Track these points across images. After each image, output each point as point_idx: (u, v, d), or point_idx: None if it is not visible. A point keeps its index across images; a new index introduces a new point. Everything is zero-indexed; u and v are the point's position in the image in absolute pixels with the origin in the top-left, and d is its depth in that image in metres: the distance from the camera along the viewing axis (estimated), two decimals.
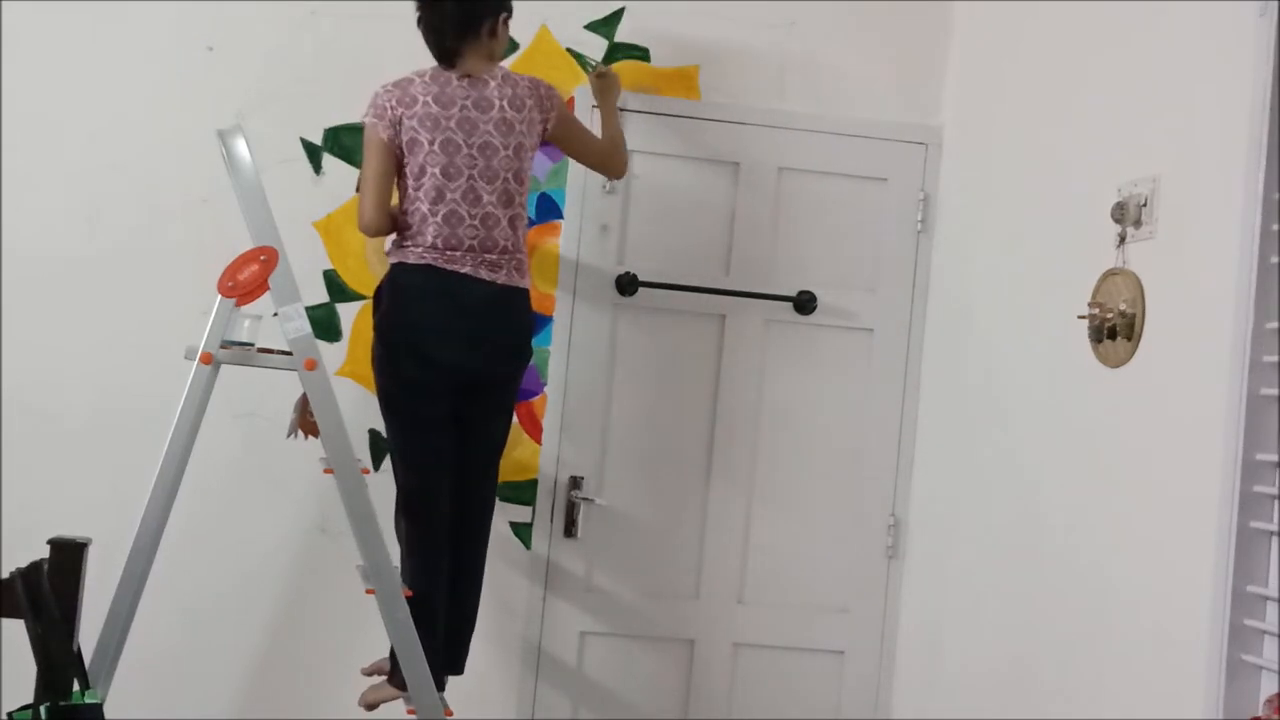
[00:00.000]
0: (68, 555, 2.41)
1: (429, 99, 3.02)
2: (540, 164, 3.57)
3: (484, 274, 3.03)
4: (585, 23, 3.59)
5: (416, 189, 3.03)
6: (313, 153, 3.51)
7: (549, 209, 3.57)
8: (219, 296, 2.91)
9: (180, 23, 3.46)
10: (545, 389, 3.56)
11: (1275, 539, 2.21)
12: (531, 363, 3.54)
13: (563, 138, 3.21)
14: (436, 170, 3.00)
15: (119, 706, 2.89)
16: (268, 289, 2.93)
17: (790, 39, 3.65)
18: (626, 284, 3.54)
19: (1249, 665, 2.21)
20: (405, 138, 3.02)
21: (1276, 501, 2.21)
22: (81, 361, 3.41)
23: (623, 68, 3.59)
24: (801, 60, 3.65)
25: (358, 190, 3.12)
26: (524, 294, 3.12)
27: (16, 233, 3.39)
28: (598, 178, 3.54)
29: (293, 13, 3.50)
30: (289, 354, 2.97)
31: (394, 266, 3.07)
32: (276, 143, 3.44)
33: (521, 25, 3.56)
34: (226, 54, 3.48)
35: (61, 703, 2.38)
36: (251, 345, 3.01)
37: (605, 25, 3.60)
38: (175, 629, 3.37)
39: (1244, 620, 2.21)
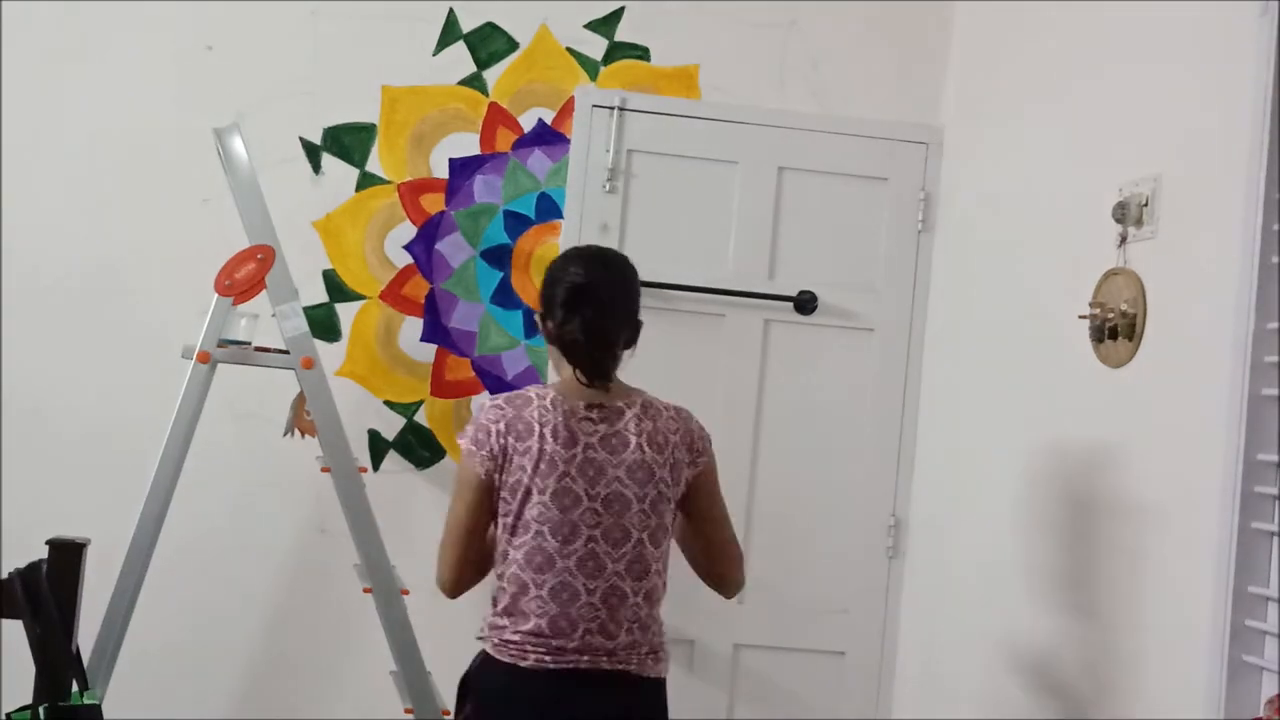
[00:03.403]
0: (66, 556, 2.41)
1: (546, 431, 2.30)
2: (540, 163, 3.56)
3: (603, 664, 2.31)
4: (585, 22, 3.59)
5: (519, 552, 2.30)
6: (312, 152, 3.50)
7: (549, 209, 3.57)
8: (216, 295, 2.91)
9: (180, 23, 3.46)
10: None
11: (1276, 539, 2.21)
12: (531, 363, 3.54)
13: (696, 497, 2.42)
14: (545, 529, 2.29)
15: (117, 707, 2.90)
16: (264, 287, 2.94)
17: (790, 38, 3.65)
18: None
19: (1250, 666, 2.20)
20: (510, 479, 2.30)
21: (1277, 501, 2.21)
22: (81, 361, 3.41)
23: (623, 67, 3.59)
24: (801, 60, 3.65)
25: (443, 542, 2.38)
26: (657, 689, 2.41)
27: (16, 233, 3.39)
28: (598, 177, 3.54)
29: (293, 13, 3.49)
30: (286, 352, 2.98)
31: (482, 659, 2.35)
32: (276, 142, 3.43)
33: (521, 24, 3.57)
34: (226, 54, 3.48)
35: (60, 703, 2.38)
36: (248, 344, 3.01)
37: (605, 24, 3.60)
38: (174, 629, 3.36)
39: (1245, 621, 2.21)
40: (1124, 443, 2.59)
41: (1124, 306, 2.57)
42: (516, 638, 2.29)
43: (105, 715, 2.66)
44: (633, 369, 3.55)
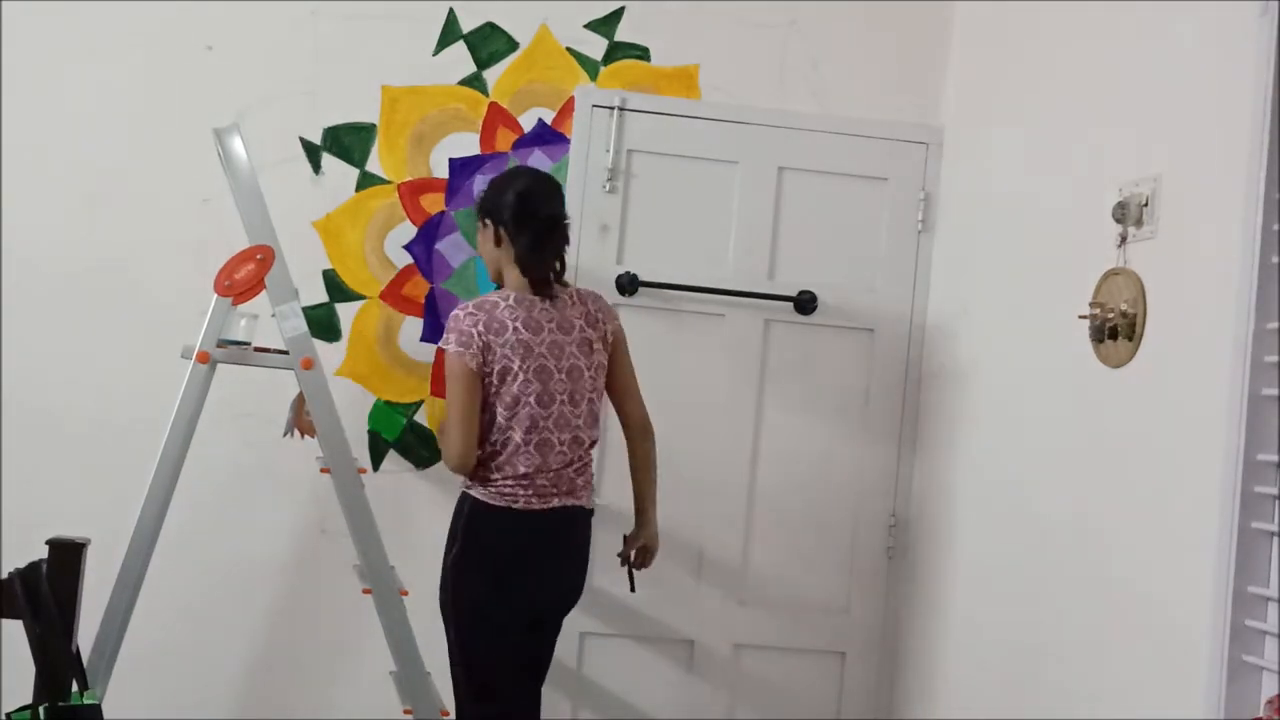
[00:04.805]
0: (66, 555, 2.41)
1: (518, 324, 2.84)
2: (540, 163, 3.56)
3: (569, 502, 2.90)
4: (585, 22, 3.59)
5: (510, 419, 2.83)
6: (312, 152, 3.50)
7: None
8: (215, 295, 2.91)
9: (180, 23, 3.46)
10: None
11: (1276, 539, 2.21)
12: None
13: (616, 353, 3.03)
14: (531, 398, 2.83)
15: (117, 706, 2.90)
16: (264, 288, 2.93)
17: (790, 38, 3.64)
18: (626, 284, 3.54)
19: (1250, 666, 2.20)
20: (497, 366, 2.83)
21: (1277, 501, 2.21)
22: (80, 362, 3.41)
23: (623, 67, 3.60)
24: (801, 60, 3.65)
25: (440, 430, 2.98)
26: (589, 516, 3.00)
27: (16, 233, 3.39)
28: (598, 177, 3.54)
29: (293, 13, 3.49)
30: (286, 353, 2.97)
31: (477, 504, 2.86)
32: (276, 142, 3.43)
33: (521, 24, 3.57)
34: (226, 54, 3.47)
35: (60, 703, 2.38)
36: (248, 344, 3.01)
37: (605, 24, 3.60)
38: (174, 629, 3.36)
39: (1245, 621, 2.21)
40: (1124, 443, 2.59)
41: (1124, 306, 2.57)
42: (509, 485, 2.83)
43: (105, 715, 2.66)
44: (634, 367, 3.56)
